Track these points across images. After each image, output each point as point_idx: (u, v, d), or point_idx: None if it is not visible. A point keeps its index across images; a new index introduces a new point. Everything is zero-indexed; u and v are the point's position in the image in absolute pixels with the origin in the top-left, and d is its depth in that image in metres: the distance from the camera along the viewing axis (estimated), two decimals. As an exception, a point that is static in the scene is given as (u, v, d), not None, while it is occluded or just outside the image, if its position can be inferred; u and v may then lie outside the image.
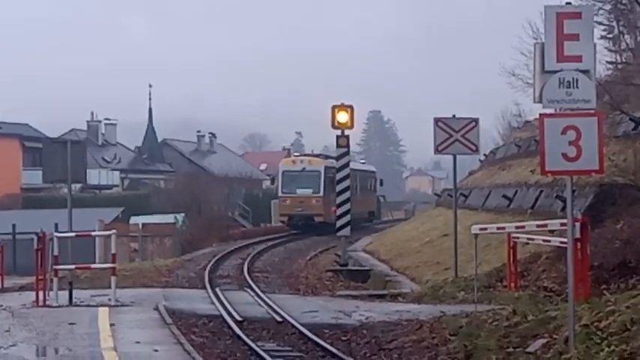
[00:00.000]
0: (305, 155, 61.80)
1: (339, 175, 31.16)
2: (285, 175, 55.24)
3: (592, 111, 12.06)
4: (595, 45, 13.73)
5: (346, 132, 29.99)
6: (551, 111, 12.12)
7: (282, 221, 55.25)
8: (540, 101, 12.12)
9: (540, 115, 12.45)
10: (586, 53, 12.03)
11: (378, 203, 71.49)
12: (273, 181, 64.06)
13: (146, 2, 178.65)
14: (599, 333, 11.61)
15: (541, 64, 12.09)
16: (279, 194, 55.98)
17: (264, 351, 13.29)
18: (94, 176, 60.79)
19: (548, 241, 19.60)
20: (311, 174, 52.95)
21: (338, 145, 30.38)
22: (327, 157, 58.11)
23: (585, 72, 11.93)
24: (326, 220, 49.26)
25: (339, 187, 31.27)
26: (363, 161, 78.81)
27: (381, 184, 70.09)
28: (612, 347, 11.06)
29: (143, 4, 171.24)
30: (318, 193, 52.66)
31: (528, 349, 12.23)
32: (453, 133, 23.35)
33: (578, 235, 14.40)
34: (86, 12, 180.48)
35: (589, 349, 11.26)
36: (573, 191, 13.97)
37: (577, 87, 11.83)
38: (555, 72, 11.89)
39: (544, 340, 12.35)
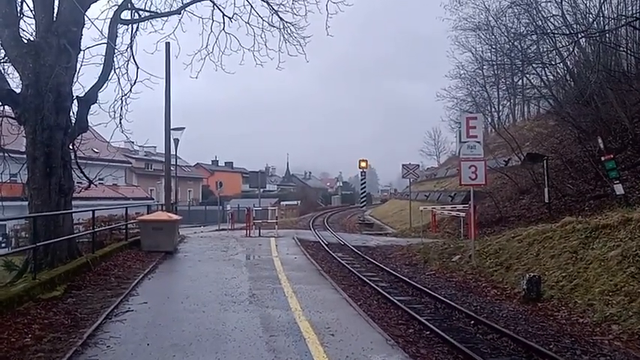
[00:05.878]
0: (386, 186, 79.28)
1: (362, 187, 30.48)
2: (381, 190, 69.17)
3: (481, 158, 11.42)
4: (482, 130, 13.16)
5: (364, 170, 28.60)
6: (465, 158, 11.34)
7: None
8: (459, 155, 11.77)
9: (460, 160, 11.70)
10: (479, 134, 11.46)
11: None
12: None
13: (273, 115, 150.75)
14: (484, 253, 11.02)
15: (459, 138, 11.71)
16: (380, 193, 69.64)
17: (338, 257, 12.83)
18: (269, 187, 61.60)
19: (450, 213, 19.03)
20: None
21: (361, 175, 29.21)
22: (391, 188, 72.25)
23: (478, 142, 11.34)
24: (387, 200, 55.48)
25: (362, 191, 30.69)
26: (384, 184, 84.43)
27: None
28: (491, 260, 10.57)
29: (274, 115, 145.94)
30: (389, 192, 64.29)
31: (453, 260, 11.63)
32: (409, 169, 22.70)
33: (472, 210, 13.75)
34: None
35: (481, 261, 10.74)
36: (474, 193, 13.34)
37: (475, 148, 11.26)
38: (466, 142, 11.31)
39: (459, 255, 11.73)
